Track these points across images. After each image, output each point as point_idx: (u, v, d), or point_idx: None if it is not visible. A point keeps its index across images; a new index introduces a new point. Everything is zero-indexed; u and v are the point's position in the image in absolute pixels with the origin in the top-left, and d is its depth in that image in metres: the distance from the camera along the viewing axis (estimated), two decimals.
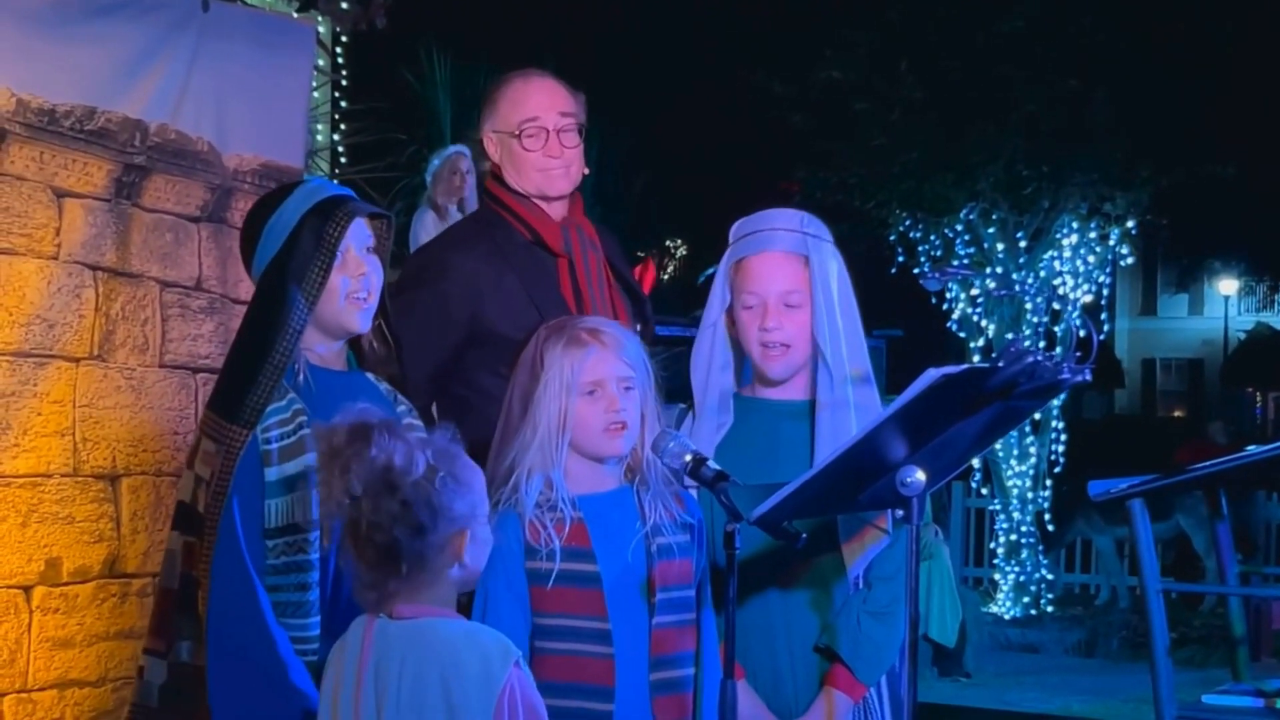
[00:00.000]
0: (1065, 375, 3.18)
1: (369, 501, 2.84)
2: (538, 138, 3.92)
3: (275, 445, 3.17)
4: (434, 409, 3.83)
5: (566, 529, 3.27)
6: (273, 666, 3.09)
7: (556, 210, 3.99)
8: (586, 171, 4.06)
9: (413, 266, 4.04)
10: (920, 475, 3.18)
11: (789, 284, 3.62)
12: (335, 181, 8.64)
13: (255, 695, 3.10)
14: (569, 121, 3.96)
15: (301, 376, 3.25)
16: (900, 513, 3.28)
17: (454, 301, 3.85)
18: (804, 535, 3.25)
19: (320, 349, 3.31)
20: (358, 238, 3.31)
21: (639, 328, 4.04)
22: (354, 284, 3.30)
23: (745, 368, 3.73)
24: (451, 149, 9.98)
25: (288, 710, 3.09)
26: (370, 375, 3.43)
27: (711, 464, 3.26)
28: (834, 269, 3.65)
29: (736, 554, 3.13)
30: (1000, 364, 3.11)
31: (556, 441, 3.29)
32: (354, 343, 3.42)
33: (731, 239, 3.71)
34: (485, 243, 3.92)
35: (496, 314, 3.82)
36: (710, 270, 3.82)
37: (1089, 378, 3.21)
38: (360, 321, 3.33)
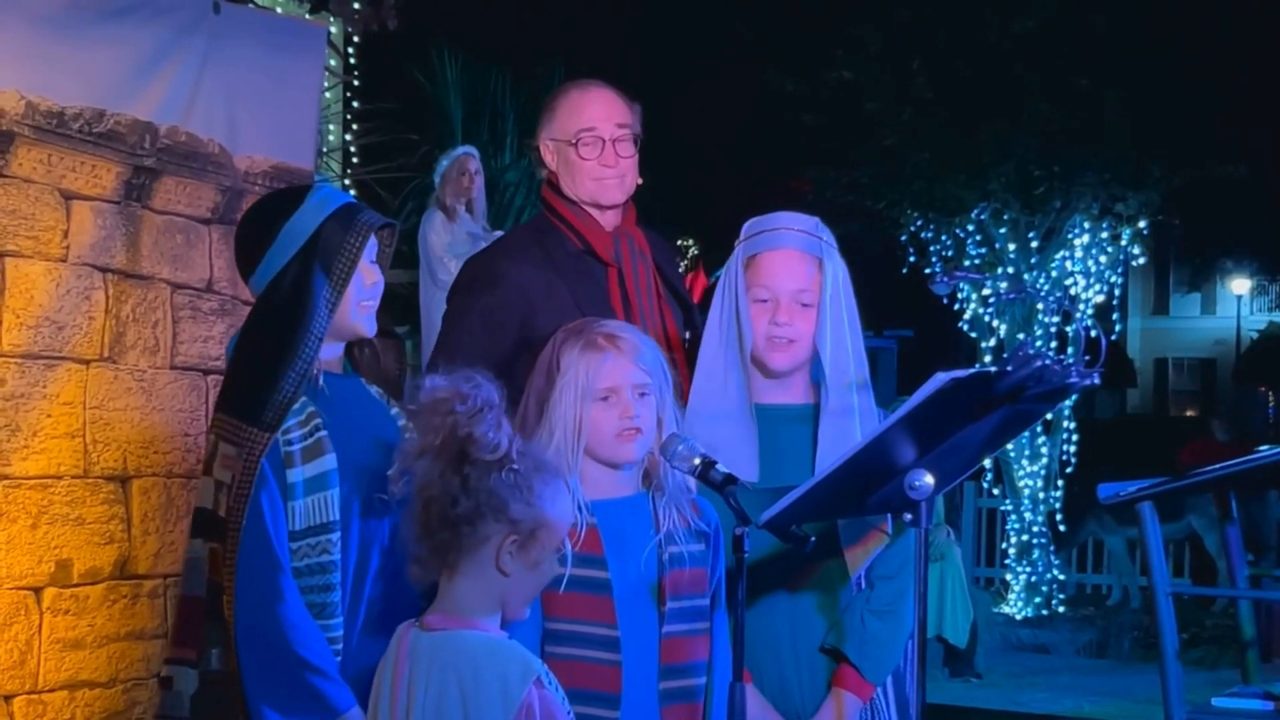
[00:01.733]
0: (1074, 379, 3.17)
1: (439, 464, 2.88)
2: (594, 147, 3.96)
3: (297, 447, 3.19)
4: None
5: (581, 535, 3.26)
6: (304, 657, 3.11)
7: (609, 219, 4.02)
8: (640, 181, 4.09)
9: (466, 274, 4.08)
10: (929, 479, 3.18)
11: (803, 282, 3.63)
12: (347, 181, 8.71)
13: (290, 687, 3.11)
14: (625, 132, 4.00)
15: (321, 382, 3.27)
16: (907, 516, 3.28)
17: (506, 309, 3.89)
18: (813, 539, 3.25)
19: (326, 354, 3.33)
20: (369, 248, 3.35)
21: (688, 335, 4.06)
22: (365, 292, 3.34)
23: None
24: (459, 150, 9.99)
25: (321, 701, 3.11)
26: (361, 380, 3.45)
27: (720, 467, 3.26)
28: (841, 278, 3.66)
29: (745, 557, 3.13)
30: (1009, 368, 3.11)
31: (572, 447, 3.29)
32: (346, 347, 3.44)
33: (743, 235, 3.71)
34: (537, 251, 3.97)
35: (546, 322, 3.84)
36: (720, 273, 3.82)
37: (1098, 381, 3.20)
38: (369, 327, 3.37)
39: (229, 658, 3.16)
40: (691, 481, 3.35)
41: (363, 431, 3.27)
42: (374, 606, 3.26)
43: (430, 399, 2.93)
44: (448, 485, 2.88)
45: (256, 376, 3.22)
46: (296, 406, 3.20)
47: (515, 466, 2.89)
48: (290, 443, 3.19)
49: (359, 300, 3.32)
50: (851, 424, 3.58)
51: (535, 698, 2.83)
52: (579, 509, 3.26)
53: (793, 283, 3.62)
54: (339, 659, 3.17)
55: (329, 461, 3.19)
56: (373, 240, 3.36)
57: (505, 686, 2.83)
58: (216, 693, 3.19)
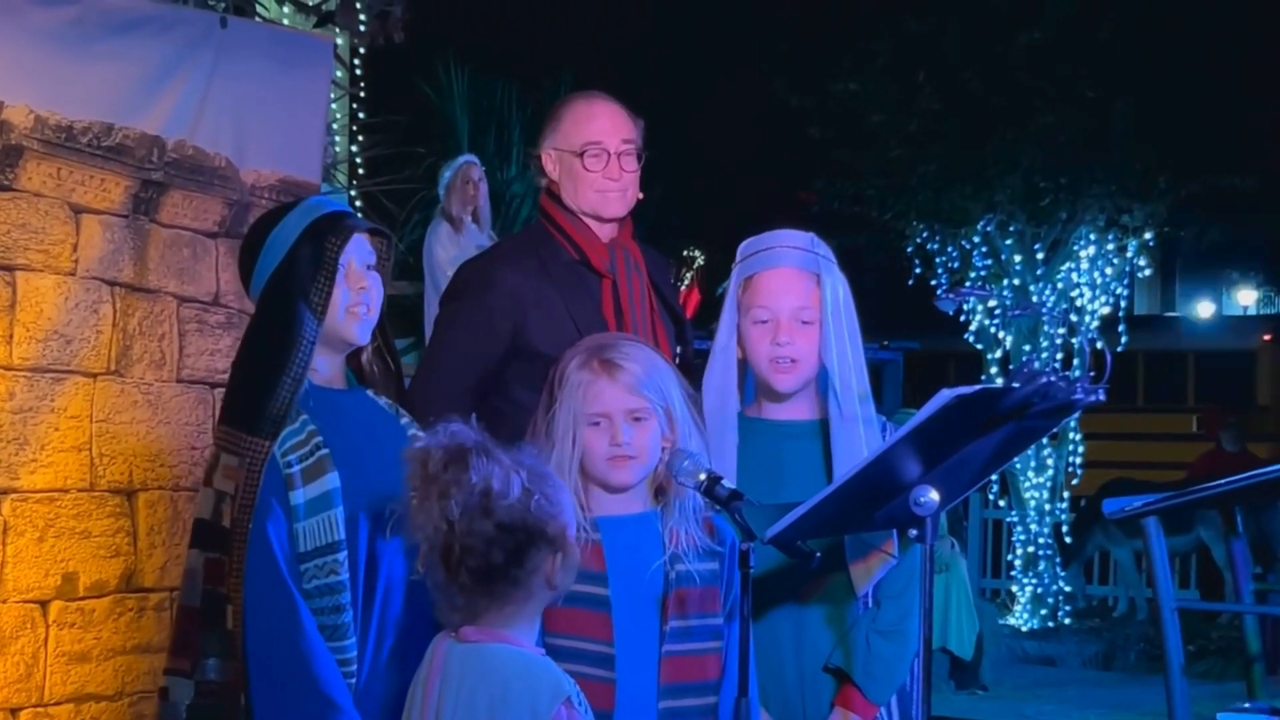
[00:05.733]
0: (1079, 395, 3.18)
1: (464, 525, 2.88)
2: (599, 159, 4.01)
3: (296, 468, 3.17)
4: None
5: (587, 551, 3.26)
6: (319, 686, 3.09)
7: (606, 231, 4.07)
8: (641, 196, 4.12)
9: (460, 279, 4.11)
10: (934, 495, 3.19)
11: (802, 300, 3.64)
12: (353, 193, 8.72)
13: (299, 715, 3.11)
14: (630, 147, 4.05)
15: (308, 388, 3.25)
16: (913, 531, 3.28)
17: (498, 315, 3.93)
18: (818, 554, 3.25)
19: (322, 367, 3.32)
20: (360, 253, 3.33)
21: (679, 350, 4.08)
22: (354, 297, 3.31)
23: (748, 388, 3.74)
24: (461, 159, 10.03)
25: None
26: (369, 392, 3.44)
27: (725, 483, 3.26)
28: (841, 291, 3.67)
29: (750, 573, 3.14)
30: (1014, 385, 3.12)
31: (569, 465, 3.30)
32: (352, 361, 3.43)
33: (739, 257, 3.73)
34: (531, 259, 4.01)
35: (537, 329, 3.90)
36: (726, 284, 3.84)
37: (1103, 398, 3.21)
38: (359, 333, 3.34)
39: (229, 668, 3.15)
40: (703, 499, 3.35)
41: (369, 446, 3.26)
42: (386, 623, 3.25)
43: (425, 472, 2.92)
44: (486, 540, 2.88)
45: (253, 386, 3.23)
46: (295, 426, 3.19)
47: (536, 494, 2.91)
48: (290, 465, 3.18)
49: (346, 304, 3.29)
50: (859, 435, 3.59)
51: (565, 718, 2.84)
52: (582, 526, 3.27)
53: (792, 300, 3.62)
54: (354, 680, 3.16)
55: (331, 480, 3.18)
56: (366, 247, 3.35)
57: (534, 705, 2.83)
58: (213, 704, 3.18)
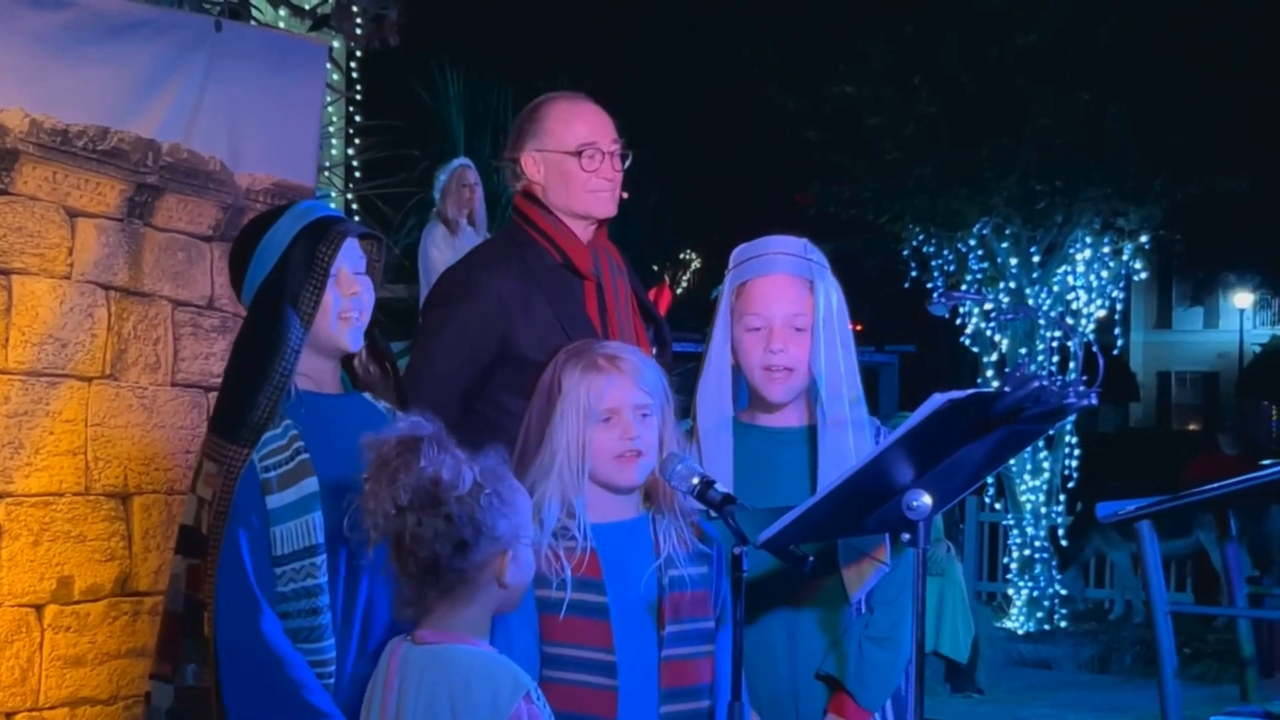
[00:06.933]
0: (1071, 400, 3.18)
1: (414, 515, 2.90)
2: (595, 158, 3.99)
3: (274, 473, 3.18)
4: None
5: (585, 559, 3.27)
6: (287, 688, 3.10)
7: (585, 234, 4.04)
8: (625, 195, 4.11)
9: (444, 285, 4.07)
10: (926, 499, 3.19)
11: (795, 306, 3.63)
12: (349, 196, 8.72)
13: (282, 708, 3.11)
14: (618, 146, 4.05)
15: (294, 396, 3.25)
16: (906, 536, 3.29)
17: (486, 321, 3.89)
18: (811, 559, 3.25)
19: (314, 373, 3.32)
20: (350, 258, 3.32)
21: (656, 351, 4.07)
22: (345, 303, 3.30)
23: (741, 392, 3.74)
24: (456, 162, 10.03)
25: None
26: (368, 395, 3.43)
27: (719, 487, 3.27)
28: (835, 298, 3.66)
29: (744, 577, 3.14)
30: (1006, 388, 3.12)
31: (577, 469, 3.29)
32: (348, 366, 3.43)
33: (733, 264, 3.72)
34: (516, 263, 3.97)
35: (525, 335, 3.86)
36: (720, 289, 3.84)
37: (1095, 402, 3.22)
38: (351, 340, 3.33)
39: (206, 674, 3.16)
40: (694, 503, 3.35)
41: (357, 451, 3.26)
42: (368, 625, 3.26)
43: (379, 457, 2.94)
44: (434, 531, 2.90)
45: (236, 394, 3.24)
46: (278, 431, 3.19)
47: (488, 490, 2.91)
48: (267, 469, 3.18)
49: (338, 310, 3.29)
50: (847, 438, 3.59)
51: (525, 712, 2.86)
52: (579, 533, 3.27)
53: (785, 307, 3.62)
54: (333, 680, 3.17)
55: (310, 485, 3.19)
56: (357, 251, 3.35)
57: (495, 700, 2.85)
58: (190, 709, 3.19)
